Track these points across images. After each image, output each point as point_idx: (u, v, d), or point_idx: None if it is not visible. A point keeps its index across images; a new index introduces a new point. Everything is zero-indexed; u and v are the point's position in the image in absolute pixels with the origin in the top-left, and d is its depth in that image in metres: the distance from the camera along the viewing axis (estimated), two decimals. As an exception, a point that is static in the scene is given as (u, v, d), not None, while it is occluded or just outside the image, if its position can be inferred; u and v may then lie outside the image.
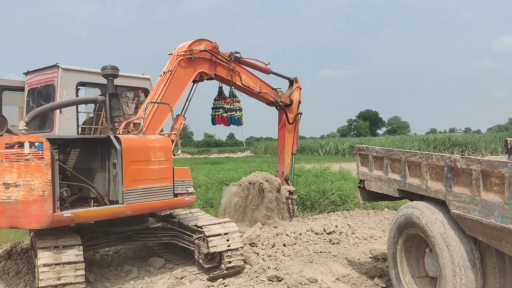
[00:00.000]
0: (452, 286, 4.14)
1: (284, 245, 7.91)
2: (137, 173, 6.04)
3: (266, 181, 9.07)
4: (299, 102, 10.04)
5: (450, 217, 4.31)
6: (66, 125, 7.29)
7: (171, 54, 7.56)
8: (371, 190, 5.76)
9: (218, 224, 6.51)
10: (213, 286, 6.01)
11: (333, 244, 8.00)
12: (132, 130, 6.54)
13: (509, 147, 5.94)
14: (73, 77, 7.48)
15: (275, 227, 8.81)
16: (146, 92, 8.29)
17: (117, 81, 7.02)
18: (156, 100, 7.00)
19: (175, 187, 6.48)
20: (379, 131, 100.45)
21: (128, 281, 6.38)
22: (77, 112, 7.59)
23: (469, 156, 4.12)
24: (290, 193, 9.72)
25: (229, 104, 8.49)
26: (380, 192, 5.56)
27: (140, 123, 6.51)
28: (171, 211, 7.34)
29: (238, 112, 8.50)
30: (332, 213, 11.50)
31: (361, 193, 6.09)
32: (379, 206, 11.82)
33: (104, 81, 6.95)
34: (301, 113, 10.07)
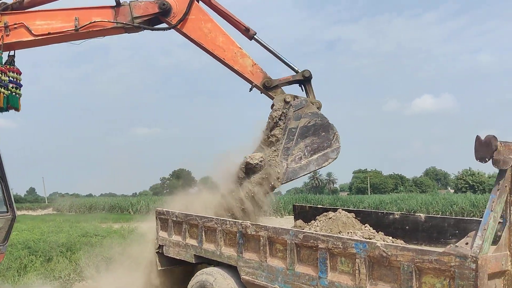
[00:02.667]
0: None
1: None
2: None
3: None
4: None
5: (241, 283, 4.41)
6: None
7: None
8: (169, 256, 5.62)
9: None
10: None
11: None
12: None
13: (296, 212, 6.51)
14: None
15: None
16: None
17: None
18: None
19: None
20: (192, 190, 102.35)
21: None
22: None
23: (259, 223, 4.34)
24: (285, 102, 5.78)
25: None
26: (178, 258, 5.45)
27: None
28: None
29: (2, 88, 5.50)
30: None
31: (160, 259, 5.89)
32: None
33: None
34: None
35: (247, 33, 6.14)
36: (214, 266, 4.97)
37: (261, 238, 4.11)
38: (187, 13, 5.89)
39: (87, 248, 12.66)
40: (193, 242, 5.18)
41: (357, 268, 3.24)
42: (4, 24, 5.61)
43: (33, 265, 11.34)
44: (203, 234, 4.99)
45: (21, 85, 5.67)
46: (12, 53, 5.74)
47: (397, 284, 3.05)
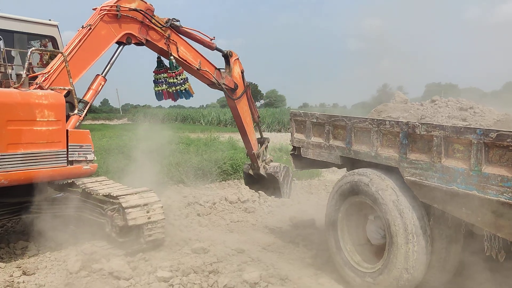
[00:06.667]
0: (404, 253, 4.12)
1: (199, 215, 7.50)
2: (17, 135, 5.16)
3: None
4: (242, 72, 8.71)
5: (402, 184, 4.27)
6: None
7: (95, 9, 6.57)
8: (307, 157, 5.57)
9: (136, 194, 5.82)
10: (133, 261, 5.36)
11: (249, 213, 7.78)
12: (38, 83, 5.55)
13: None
14: None
15: (185, 196, 8.36)
16: (53, 41, 7.07)
17: (16, 27, 6.10)
18: (69, 56, 5.97)
19: (69, 153, 5.70)
20: (258, 103, 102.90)
21: (27, 259, 5.45)
22: None
23: (429, 122, 4.08)
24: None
25: (172, 77, 7.48)
26: (318, 159, 5.38)
27: (22, 74, 5.49)
28: (74, 180, 6.41)
29: (183, 85, 7.52)
30: (224, 182, 11.28)
31: (295, 161, 5.88)
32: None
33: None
34: (249, 85, 8.91)
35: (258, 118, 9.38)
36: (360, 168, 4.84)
37: (435, 139, 3.87)
38: (244, 91, 8.71)
39: (176, 154, 13.13)
40: (338, 143, 5.04)
41: None
42: (168, 35, 7.24)
43: (128, 168, 11.99)
44: (352, 135, 4.82)
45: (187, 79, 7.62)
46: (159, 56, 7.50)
47: None
